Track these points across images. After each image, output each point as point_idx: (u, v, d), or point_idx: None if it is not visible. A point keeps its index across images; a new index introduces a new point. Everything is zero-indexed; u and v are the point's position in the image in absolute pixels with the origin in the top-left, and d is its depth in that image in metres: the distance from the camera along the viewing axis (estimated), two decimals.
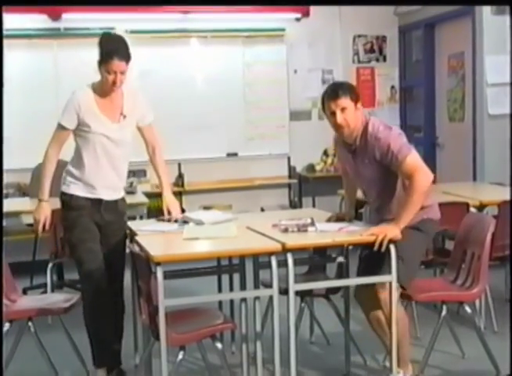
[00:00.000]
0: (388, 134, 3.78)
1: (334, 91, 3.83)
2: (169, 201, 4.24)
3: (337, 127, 3.84)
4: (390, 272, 3.66)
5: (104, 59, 3.89)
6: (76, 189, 4.07)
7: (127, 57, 3.94)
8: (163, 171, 4.37)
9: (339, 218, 4.09)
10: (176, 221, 4.18)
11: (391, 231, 3.62)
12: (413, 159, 3.74)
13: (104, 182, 4.09)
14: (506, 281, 5.46)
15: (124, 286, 4.25)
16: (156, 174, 4.39)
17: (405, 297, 3.98)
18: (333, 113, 3.80)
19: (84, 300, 4.09)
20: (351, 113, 3.80)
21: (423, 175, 3.70)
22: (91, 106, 3.99)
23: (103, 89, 4.00)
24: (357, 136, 3.85)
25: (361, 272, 3.96)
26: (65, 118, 3.99)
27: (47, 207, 4.05)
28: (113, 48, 3.91)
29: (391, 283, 3.67)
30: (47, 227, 4.09)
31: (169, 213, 4.21)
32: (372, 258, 3.78)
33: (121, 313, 4.26)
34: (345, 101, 3.79)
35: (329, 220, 4.10)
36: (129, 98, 4.13)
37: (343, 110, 3.78)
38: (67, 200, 4.09)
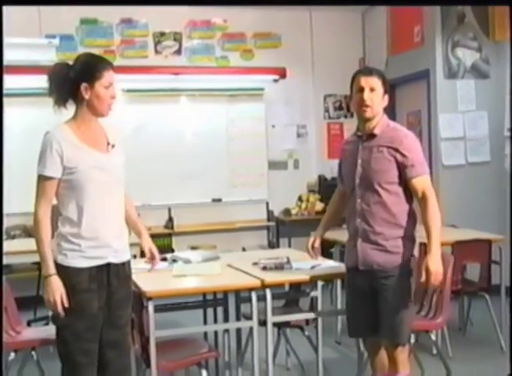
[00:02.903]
0: (416, 141, 3.45)
1: (369, 69, 3.52)
2: (151, 245, 3.48)
3: (362, 104, 3.36)
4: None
5: (99, 74, 3.00)
6: (76, 259, 2.97)
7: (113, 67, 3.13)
8: (135, 214, 3.43)
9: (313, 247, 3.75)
10: (165, 259, 4.16)
11: (435, 265, 3.25)
12: (429, 179, 3.40)
13: (112, 227, 3.08)
14: (459, 312, 5.51)
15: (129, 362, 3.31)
16: (129, 220, 3.34)
17: None
18: (362, 90, 3.35)
19: None
20: (378, 97, 3.37)
21: (435, 200, 3.35)
22: (73, 141, 2.99)
23: (95, 113, 3.07)
24: (376, 124, 3.41)
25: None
26: (47, 167, 2.95)
27: (57, 282, 2.92)
28: (104, 60, 3.13)
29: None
30: (66, 304, 2.92)
31: (152, 257, 3.49)
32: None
33: None
34: (377, 82, 3.37)
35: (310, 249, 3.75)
36: (110, 128, 3.18)
37: (372, 90, 3.35)
38: (67, 278, 2.96)
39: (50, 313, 3.06)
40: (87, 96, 3.01)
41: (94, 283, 3.00)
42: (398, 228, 3.36)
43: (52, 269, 2.93)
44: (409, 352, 3.53)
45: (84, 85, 3.00)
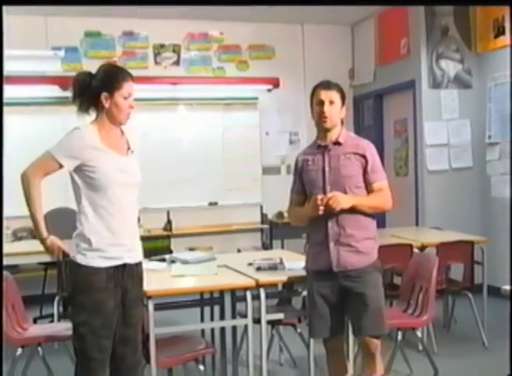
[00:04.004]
0: (375, 150, 3.48)
1: (328, 83, 3.49)
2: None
3: (322, 116, 3.40)
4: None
5: (119, 85, 3.01)
6: (95, 259, 2.95)
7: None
8: None
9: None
10: (164, 259, 4.17)
11: (345, 201, 3.26)
12: (387, 184, 3.46)
13: (128, 228, 3.06)
14: (444, 310, 5.52)
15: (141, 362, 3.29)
16: None
17: None
18: (322, 103, 3.41)
19: None
20: (336, 110, 3.41)
21: (389, 199, 3.43)
22: (97, 142, 2.97)
23: (114, 121, 3.06)
24: (338, 134, 3.43)
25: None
26: (62, 154, 2.93)
27: (54, 242, 3.01)
28: (124, 71, 3.12)
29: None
30: (67, 251, 3.00)
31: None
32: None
33: None
34: (335, 96, 3.41)
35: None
36: (131, 134, 3.20)
37: (331, 103, 3.39)
38: (85, 276, 2.95)
39: (68, 311, 3.21)
40: (107, 105, 3.01)
41: (111, 282, 2.98)
42: (366, 229, 3.41)
43: (45, 233, 2.99)
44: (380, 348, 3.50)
45: (104, 94, 3.00)
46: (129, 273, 3.05)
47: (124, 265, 3.02)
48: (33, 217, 2.96)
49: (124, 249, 3.03)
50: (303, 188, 3.58)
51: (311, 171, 3.48)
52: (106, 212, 2.98)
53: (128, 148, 3.13)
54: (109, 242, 2.98)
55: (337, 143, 3.43)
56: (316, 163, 3.46)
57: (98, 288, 2.94)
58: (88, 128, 3.01)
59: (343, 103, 3.47)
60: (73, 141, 2.96)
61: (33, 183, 2.94)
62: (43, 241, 3.00)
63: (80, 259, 2.95)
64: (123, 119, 3.07)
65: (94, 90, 3.01)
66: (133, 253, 3.08)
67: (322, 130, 3.47)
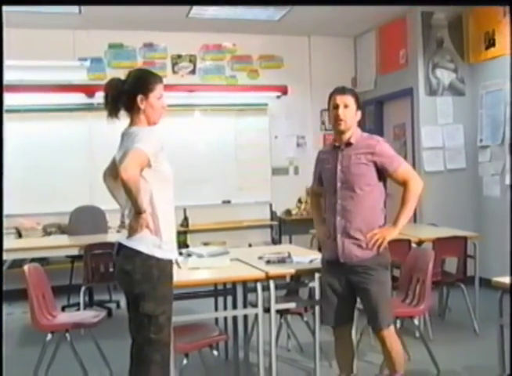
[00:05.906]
0: (386, 143, 3.46)
1: (343, 88, 3.45)
2: None
3: (337, 119, 3.37)
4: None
5: (152, 86, 2.97)
6: (167, 251, 2.97)
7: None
8: None
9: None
10: (181, 253, 4.17)
11: (390, 233, 3.33)
12: (408, 167, 3.45)
13: (174, 225, 3.09)
14: (439, 300, 5.51)
15: None
16: None
17: None
18: (337, 107, 3.37)
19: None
20: (351, 113, 3.37)
21: (417, 181, 3.39)
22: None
23: (149, 122, 3.01)
24: (351, 136, 3.40)
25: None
26: (151, 151, 2.86)
27: (146, 218, 2.85)
28: (155, 74, 3.07)
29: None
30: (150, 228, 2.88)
31: None
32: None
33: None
34: (350, 100, 3.38)
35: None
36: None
37: (346, 106, 3.35)
38: (164, 269, 2.96)
39: (142, 306, 2.92)
40: (142, 106, 2.97)
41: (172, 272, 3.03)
42: (373, 224, 3.39)
43: (144, 208, 2.84)
44: (396, 332, 3.50)
45: (140, 97, 2.95)
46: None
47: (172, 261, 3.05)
48: (137, 198, 2.79)
49: (175, 242, 3.08)
50: (321, 181, 3.64)
51: (327, 169, 3.51)
52: (169, 207, 3.00)
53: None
54: (171, 236, 3.01)
55: (348, 144, 3.41)
56: (331, 162, 3.47)
57: (172, 277, 3.00)
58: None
59: (358, 106, 3.44)
60: (156, 139, 2.92)
61: (136, 180, 2.77)
62: (140, 213, 2.82)
63: (158, 253, 2.92)
64: (157, 119, 3.03)
65: (128, 93, 2.97)
66: None
67: (338, 132, 3.45)
